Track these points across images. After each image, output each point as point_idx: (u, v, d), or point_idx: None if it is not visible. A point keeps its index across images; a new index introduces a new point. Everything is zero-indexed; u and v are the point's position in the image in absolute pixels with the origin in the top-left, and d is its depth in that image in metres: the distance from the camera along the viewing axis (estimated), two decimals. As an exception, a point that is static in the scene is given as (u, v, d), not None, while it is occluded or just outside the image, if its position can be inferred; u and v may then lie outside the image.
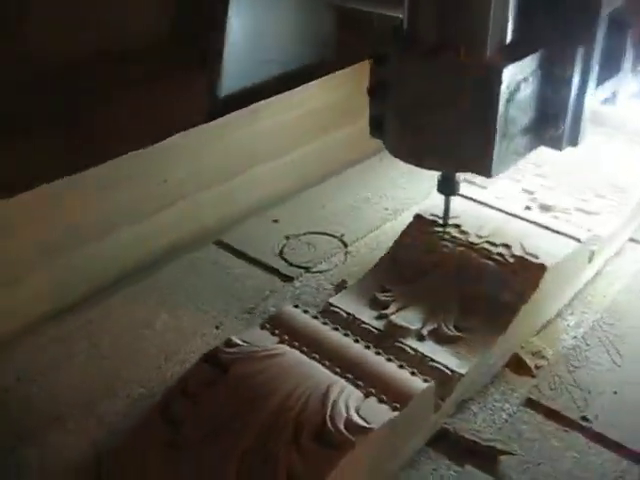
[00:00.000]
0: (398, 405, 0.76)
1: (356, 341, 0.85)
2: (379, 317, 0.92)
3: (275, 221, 1.17)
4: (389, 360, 0.82)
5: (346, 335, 0.86)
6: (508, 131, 0.78)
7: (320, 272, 1.07)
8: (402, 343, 0.88)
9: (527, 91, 0.78)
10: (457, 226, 1.01)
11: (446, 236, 1.00)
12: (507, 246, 0.97)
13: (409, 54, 0.78)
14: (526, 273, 0.93)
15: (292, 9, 1.27)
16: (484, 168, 0.79)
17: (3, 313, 0.94)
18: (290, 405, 0.75)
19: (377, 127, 0.84)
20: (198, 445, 0.75)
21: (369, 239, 1.10)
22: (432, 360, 0.86)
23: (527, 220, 1.03)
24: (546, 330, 0.96)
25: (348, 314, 0.92)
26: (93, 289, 1.02)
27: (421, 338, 0.89)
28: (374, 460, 0.76)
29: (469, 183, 1.08)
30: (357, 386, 0.78)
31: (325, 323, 0.88)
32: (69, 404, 0.85)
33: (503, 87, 0.74)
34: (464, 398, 0.86)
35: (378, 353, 0.84)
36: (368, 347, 0.84)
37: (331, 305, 0.94)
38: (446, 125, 0.78)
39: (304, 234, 1.14)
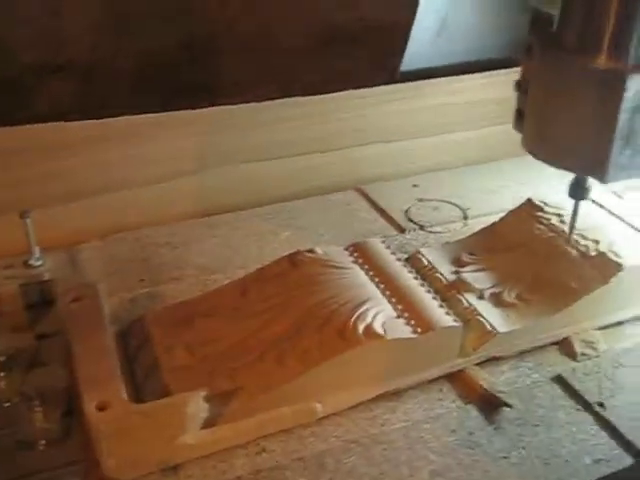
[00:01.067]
0: (419, 330, 0.88)
1: (421, 285, 0.97)
2: (454, 272, 1.02)
3: (415, 186, 1.30)
4: (434, 299, 0.93)
5: (415, 278, 0.98)
6: (633, 140, 0.84)
7: (432, 232, 1.18)
8: (461, 295, 0.97)
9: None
10: (559, 215, 1.08)
11: (544, 221, 1.07)
12: (596, 241, 1.02)
13: (549, 52, 0.88)
14: (602, 267, 0.98)
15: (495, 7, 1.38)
16: (600, 173, 0.86)
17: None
18: (329, 304, 0.90)
19: (519, 120, 0.94)
20: (250, 318, 0.92)
21: (490, 217, 1.18)
22: (478, 313, 0.94)
23: (633, 227, 1.06)
24: (612, 329, 1.00)
25: (428, 262, 1.04)
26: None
27: (481, 297, 0.98)
28: (383, 369, 0.88)
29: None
30: (394, 308, 0.91)
31: (402, 263, 1.01)
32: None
33: (628, 94, 0.81)
34: (497, 355, 0.94)
35: (433, 297, 0.95)
36: (429, 291, 0.96)
37: (418, 252, 1.06)
38: (571, 126, 0.87)
39: (433, 200, 1.26)
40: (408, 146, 1.34)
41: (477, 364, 0.93)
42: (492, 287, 0.99)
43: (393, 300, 0.93)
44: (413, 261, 1.05)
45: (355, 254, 1.01)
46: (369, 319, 0.87)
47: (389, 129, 1.32)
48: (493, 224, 1.11)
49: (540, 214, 1.09)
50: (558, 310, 0.96)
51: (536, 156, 0.92)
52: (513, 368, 0.94)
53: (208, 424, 0.81)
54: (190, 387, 0.82)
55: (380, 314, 0.89)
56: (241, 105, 1.21)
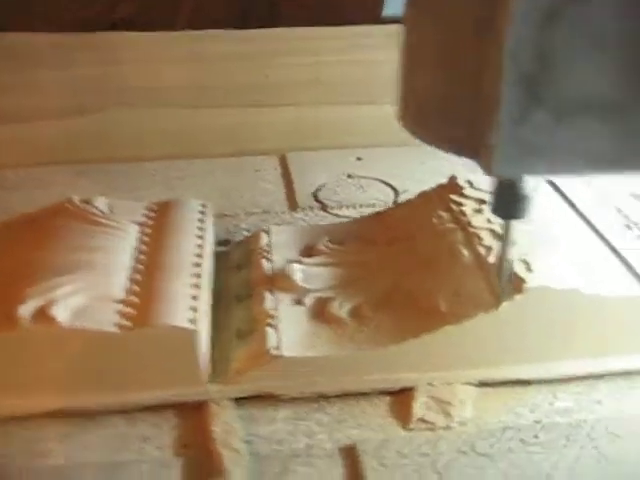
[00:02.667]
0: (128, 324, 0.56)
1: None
2: (291, 261, 0.68)
3: (359, 159, 0.97)
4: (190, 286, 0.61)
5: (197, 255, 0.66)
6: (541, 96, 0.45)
7: (336, 215, 0.84)
8: (270, 294, 0.64)
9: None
10: (481, 202, 0.70)
11: (454, 207, 0.70)
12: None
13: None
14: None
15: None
16: (485, 155, 0.48)
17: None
18: (38, 265, 0.61)
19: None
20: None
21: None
22: (271, 324, 0.61)
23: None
24: (499, 389, 0.60)
25: (267, 244, 0.71)
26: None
27: (299, 301, 0.64)
28: (66, 374, 0.57)
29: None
30: (127, 291, 0.60)
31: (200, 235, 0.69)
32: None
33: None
34: (277, 393, 0.59)
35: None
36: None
37: (264, 230, 0.74)
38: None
39: (367, 177, 0.91)
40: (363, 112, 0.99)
41: (238, 400, 0.59)
42: (323, 291, 0.65)
43: (136, 278, 0.62)
44: (250, 239, 0.73)
45: (151, 214, 0.71)
46: (56, 296, 0.57)
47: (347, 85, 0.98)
48: (390, 208, 0.76)
49: (455, 197, 0.72)
50: (403, 340, 0.59)
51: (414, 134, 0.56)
52: (293, 419, 0.58)
53: None
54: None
55: (84, 293, 0.58)
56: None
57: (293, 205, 0.85)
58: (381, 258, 0.68)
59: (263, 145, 0.99)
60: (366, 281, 0.65)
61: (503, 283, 0.58)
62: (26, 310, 0.56)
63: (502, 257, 0.57)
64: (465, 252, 0.64)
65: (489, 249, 0.63)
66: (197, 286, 0.61)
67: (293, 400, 0.59)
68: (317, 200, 0.86)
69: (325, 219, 0.82)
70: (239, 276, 0.69)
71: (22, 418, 0.57)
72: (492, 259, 0.62)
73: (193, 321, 0.57)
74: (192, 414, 0.58)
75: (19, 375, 0.57)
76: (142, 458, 0.55)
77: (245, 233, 0.78)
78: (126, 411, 0.58)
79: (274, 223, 0.81)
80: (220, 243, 0.76)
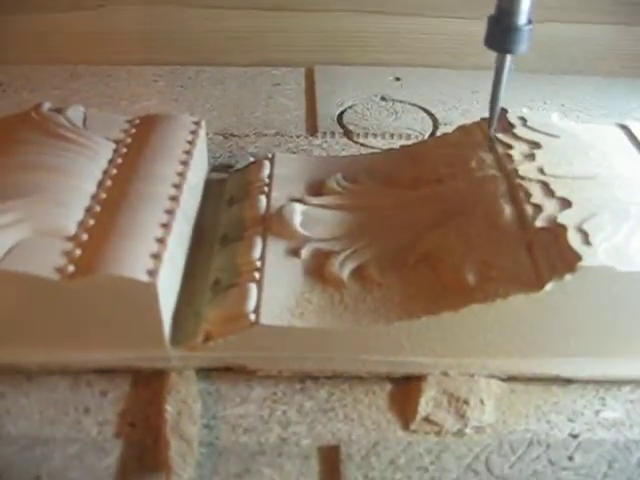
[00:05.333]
0: (71, 270, 0.45)
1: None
2: (294, 200, 0.56)
3: (397, 79, 0.82)
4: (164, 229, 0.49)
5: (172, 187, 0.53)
6: None
7: (361, 144, 0.71)
8: (261, 240, 0.52)
9: None
10: (534, 144, 0.56)
11: (500, 149, 0.56)
12: (565, 201, 0.49)
13: None
14: (546, 256, 0.46)
15: None
16: None
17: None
18: None
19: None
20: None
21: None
22: (253, 278, 0.49)
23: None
24: (530, 385, 0.48)
25: (268, 175, 0.59)
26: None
27: (295, 252, 0.52)
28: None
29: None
30: (80, 227, 0.48)
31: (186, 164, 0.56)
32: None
33: None
34: (252, 367, 0.48)
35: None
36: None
37: (268, 157, 0.62)
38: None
39: (404, 102, 0.77)
40: (407, 25, 0.84)
41: (207, 371, 0.48)
42: (325, 242, 0.52)
43: (95, 210, 0.50)
44: (251, 169, 0.61)
45: (132, 130, 0.59)
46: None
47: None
48: (421, 141, 0.63)
49: (503, 136, 0.57)
50: (415, 315, 0.47)
51: None
52: (269, 401, 0.47)
53: None
54: None
55: (24, 224, 0.47)
56: None
57: (312, 128, 0.72)
58: (400, 204, 0.55)
59: (286, 55, 0.84)
60: (377, 233, 0.53)
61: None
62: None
63: (494, 97, 0.55)
64: (506, 209, 0.50)
65: (538, 209, 0.49)
66: (167, 226, 0.49)
67: (271, 378, 0.48)
68: (341, 124, 0.72)
69: (347, 148, 0.69)
70: (229, 213, 0.57)
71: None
72: (541, 222, 0.48)
73: (153, 272, 0.45)
74: (147, 383, 0.48)
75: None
76: (76, 435, 0.44)
77: (251, 159, 0.65)
78: (71, 373, 0.48)
79: (287, 148, 0.69)
80: (217, 168, 0.64)
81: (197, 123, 0.60)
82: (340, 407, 0.47)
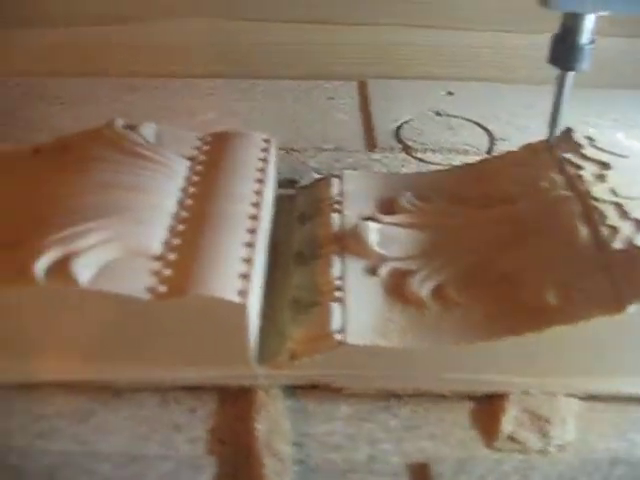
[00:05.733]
0: (163, 290, 0.46)
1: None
2: (365, 218, 0.57)
3: (449, 93, 0.83)
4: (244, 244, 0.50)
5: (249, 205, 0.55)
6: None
7: (420, 160, 0.72)
8: (339, 258, 0.53)
9: None
10: (603, 165, 0.57)
11: (570, 169, 0.57)
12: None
13: None
14: (624, 278, 0.47)
15: None
16: None
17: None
18: (59, 203, 0.51)
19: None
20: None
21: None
22: (337, 297, 0.50)
23: None
24: (610, 405, 0.49)
25: (338, 193, 0.60)
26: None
27: (373, 271, 0.53)
28: (89, 342, 0.48)
29: None
30: (165, 246, 0.49)
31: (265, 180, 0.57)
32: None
33: None
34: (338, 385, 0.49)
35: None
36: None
37: (336, 175, 0.62)
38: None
39: (458, 117, 0.77)
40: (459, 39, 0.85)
41: (292, 389, 0.49)
42: (402, 260, 0.53)
43: (179, 229, 0.51)
44: (319, 186, 0.62)
45: (205, 148, 0.60)
46: (79, 247, 0.47)
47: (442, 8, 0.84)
48: (486, 159, 0.63)
49: (571, 156, 0.58)
50: (497, 335, 0.48)
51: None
52: (356, 419, 0.48)
53: None
54: None
55: (113, 244, 0.48)
56: None
57: (371, 143, 0.73)
58: (472, 223, 0.56)
59: (339, 68, 0.85)
60: (453, 252, 0.54)
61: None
62: (43, 263, 0.46)
63: (555, 114, 0.60)
64: (582, 230, 0.51)
65: (614, 231, 0.50)
66: (251, 245, 0.50)
67: (355, 396, 0.49)
68: (399, 140, 0.73)
69: (407, 163, 0.70)
70: (302, 230, 0.58)
71: (31, 388, 0.48)
72: (618, 244, 0.49)
73: (243, 293, 0.46)
74: (234, 400, 0.49)
75: (30, 337, 0.48)
76: (169, 453, 0.45)
77: (315, 175, 0.66)
78: (159, 390, 0.49)
79: (348, 163, 0.69)
80: (282, 184, 0.65)
81: (268, 141, 0.61)
82: (424, 425, 0.48)
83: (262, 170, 0.58)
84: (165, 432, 0.47)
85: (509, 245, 0.54)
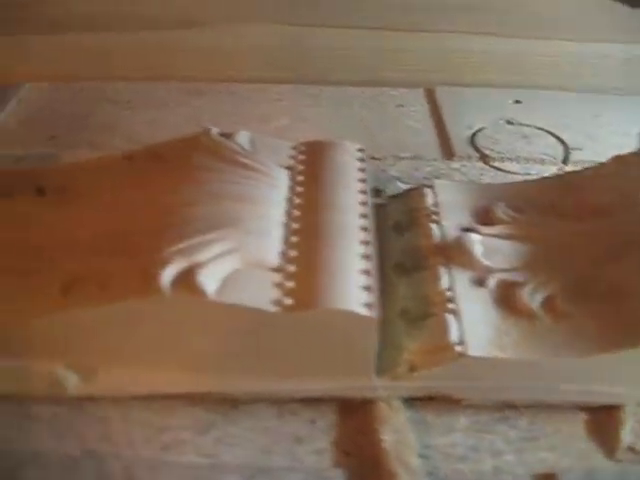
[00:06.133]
0: (291, 302, 0.46)
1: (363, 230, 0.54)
2: (464, 229, 0.57)
3: (517, 102, 0.83)
4: (364, 258, 0.51)
5: (362, 216, 0.55)
6: None
7: (498, 169, 0.72)
8: (446, 270, 0.53)
9: None
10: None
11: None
12: None
13: None
14: None
15: None
16: None
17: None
18: (171, 212, 0.51)
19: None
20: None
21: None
22: (451, 309, 0.50)
23: None
24: None
25: (433, 203, 0.60)
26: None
27: (480, 282, 0.53)
28: (210, 353, 0.48)
29: None
30: (282, 256, 0.50)
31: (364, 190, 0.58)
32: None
33: None
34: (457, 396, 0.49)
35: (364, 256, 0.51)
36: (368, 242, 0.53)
37: (427, 185, 0.63)
38: None
39: (530, 126, 0.78)
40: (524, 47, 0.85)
41: (410, 400, 0.49)
42: (510, 271, 0.54)
43: (292, 240, 0.51)
44: (411, 196, 0.62)
45: (301, 157, 0.60)
46: (202, 258, 0.47)
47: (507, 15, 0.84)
48: (575, 172, 0.64)
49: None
50: (613, 347, 0.48)
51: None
52: (475, 431, 0.48)
53: None
54: None
55: (234, 255, 0.48)
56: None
57: (448, 152, 0.73)
58: (573, 236, 0.56)
59: (401, 75, 0.86)
60: (557, 264, 0.54)
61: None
62: (169, 274, 0.46)
63: None
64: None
65: None
66: (368, 257, 0.51)
67: (472, 407, 0.49)
68: (475, 148, 0.73)
69: (486, 172, 0.71)
70: (400, 241, 0.58)
71: (149, 399, 0.48)
72: None
73: (370, 305, 0.46)
74: (354, 412, 0.49)
75: (151, 348, 0.48)
76: (294, 465, 0.45)
77: (399, 184, 0.66)
78: (276, 402, 0.49)
79: (427, 172, 0.70)
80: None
81: (362, 150, 0.61)
82: (542, 436, 0.48)
83: (362, 180, 0.58)
84: (287, 444, 0.47)
85: (612, 258, 0.54)
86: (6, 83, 0.82)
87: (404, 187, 0.65)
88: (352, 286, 0.48)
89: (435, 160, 0.72)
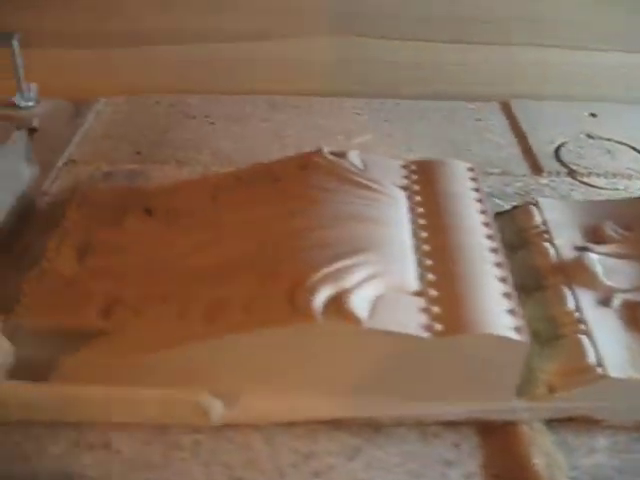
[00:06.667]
0: (440, 328, 0.46)
1: (493, 251, 0.54)
2: (578, 248, 0.58)
3: (592, 115, 0.84)
4: (504, 282, 0.51)
5: (489, 237, 0.55)
6: None
7: (587, 184, 0.72)
8: (569, 290, 0.54)
9: None
10: None
11: None
12: None
13: None
14: None
15: None
16: None
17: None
18: (304, 238, 0.52)
19: None
20: (197, 231, 0.57)
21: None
22: (583, 330, 0.51)
23: None
24: None
25: (542, 222, 0.61)
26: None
27: (606, 302, 0.54)
28: (354, 379, 0.48)
29: None
30: (419, 278, 0.50)
31: (482, 210, 0.58)
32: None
33: None
34: (597, 417, 0.49)
35: (503, 278, 0.52)
36: (499, 265, 0.52)
37: (532, 203, 0.63)
38: None
39: (611, 140, 0.78)
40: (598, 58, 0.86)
41: (548, 421, 0.50)
42: (632, 291, 0.54)
43: (426, 263, 0.51)
44: (517, 213, 0.62)
45: (413, 177, 0.60)
46: (351, 283, 0.47)
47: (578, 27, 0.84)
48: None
49: None
50: None
51: None
52: (615, 451, 0.49)
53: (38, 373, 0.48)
54: (48, 307, 0.52)
55: (378, 280, 0.48)
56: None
57: (535, 167, 0.74)
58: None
59: (475, 88, 0.86)
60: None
61: None
62: (320, 300, 0.46)
63: None
64: None
65: None
66: (505, 280, 0.51)
67: (610, 427, 0.50)
68: (562, 163, 0.74)
69: (576, 188, 0.71)
70: (515, 260, 0.58)
71: (291, 424, 0.48)
72: None
73: (519, 329, 0.47)
74: (496, 434, 0.49)
75: (295, 373, 0.48)
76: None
77: (497, 201, 0.66)
78: (417, 425, 0.49)
79: (518, 188, 0.70)
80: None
81: (472, 169, 0.62)
82: (681, 456, 0.49)
83: (481, 201, 0.58)
84: (437, 468, 0.47)
85: None
86: (84, 97, 0.81)
87: (500, 204, 0.66)
88: (498, 310, 0.48)
89: (524, 176, 0.72)
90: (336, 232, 0.52)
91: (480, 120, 0.81)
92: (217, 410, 0.48)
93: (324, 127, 0.78)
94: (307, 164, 0.59)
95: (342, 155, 0.60)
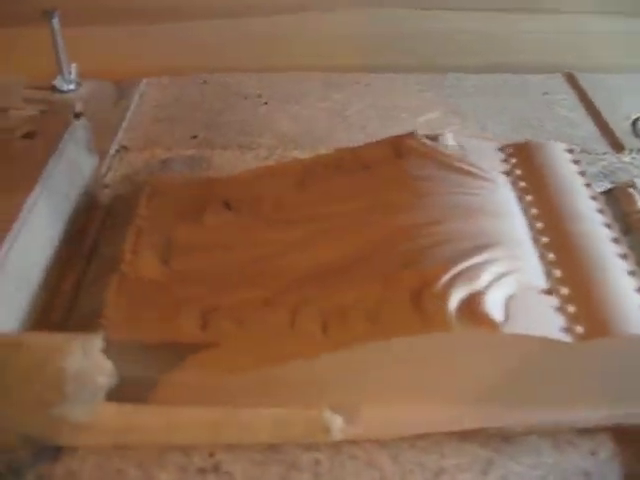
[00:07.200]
0: (582, 330, 0.43)
1: (615, 241, 0.50)
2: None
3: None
4: (634, 275, 0.47)
5: (607, 226, 0.51)
6: None
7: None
8: None
9: None
10: None
11: None
12: None
13: None
14: None
15: None
16: None
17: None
18: (421, 236, 0.47)
19: None
20: (289, 227, 0.52)
21: None
22: None
23: None
24: None
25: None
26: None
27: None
28: (487, 387, 0.45)
29: None
30: (546, 273, 0.46)
31: (593, 195, 0.54)
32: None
33: None
34: None
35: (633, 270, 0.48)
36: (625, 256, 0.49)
37: (631, 184, 0.59)
38: None
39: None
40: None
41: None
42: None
43: (549, 257, 0.48)
44: (616, 196, 0.58)
45: (513, 160, 0.56)
46: (482, 284, 0.44)
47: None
48: None
49: None
50: None
51: None
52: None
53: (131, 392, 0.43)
54: (137, 319, 0.47)
55: (510, 277, 0.45)
56: None
57: (615, 144, 0.70)
58: None
59: (538, 59, 0.81)
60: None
61: None
62: (451, 305, 0.42)
63: None
64: None
65: None
66: (633, 273, 0.47)
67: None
68: (640, 139, 0.70)
69: (658, 166, 0.67)
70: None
71: (415, 438, 0.45)
72: None
73: (667, 329, 0.43)
74: (633, 440, 0.46)
75: (421, 383, 0.44)
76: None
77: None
78: (548, 433, 0.46)
79: (602, 167, 0.66)
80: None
81: (571, 151, 0.58)
82: None
83: (588, 185, 0.54)
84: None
85: None
86: (122, 78, 0.76)
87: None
88: (635, 308, 0.44)
89: (605, 154, 0.69)
90: (453, 227, 0.48)
91: (547, 94, 0.77)
92: (338, 425, 0.44)
93: (386, 105, 0.74)
94: (400, 149, 0.55)
95: (434, 138, 0.56)
